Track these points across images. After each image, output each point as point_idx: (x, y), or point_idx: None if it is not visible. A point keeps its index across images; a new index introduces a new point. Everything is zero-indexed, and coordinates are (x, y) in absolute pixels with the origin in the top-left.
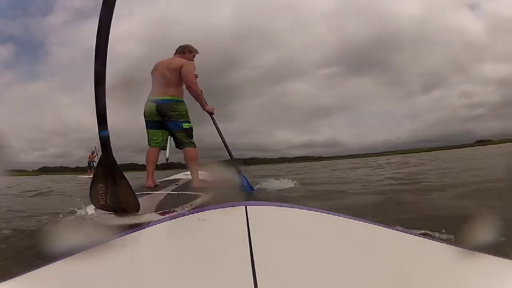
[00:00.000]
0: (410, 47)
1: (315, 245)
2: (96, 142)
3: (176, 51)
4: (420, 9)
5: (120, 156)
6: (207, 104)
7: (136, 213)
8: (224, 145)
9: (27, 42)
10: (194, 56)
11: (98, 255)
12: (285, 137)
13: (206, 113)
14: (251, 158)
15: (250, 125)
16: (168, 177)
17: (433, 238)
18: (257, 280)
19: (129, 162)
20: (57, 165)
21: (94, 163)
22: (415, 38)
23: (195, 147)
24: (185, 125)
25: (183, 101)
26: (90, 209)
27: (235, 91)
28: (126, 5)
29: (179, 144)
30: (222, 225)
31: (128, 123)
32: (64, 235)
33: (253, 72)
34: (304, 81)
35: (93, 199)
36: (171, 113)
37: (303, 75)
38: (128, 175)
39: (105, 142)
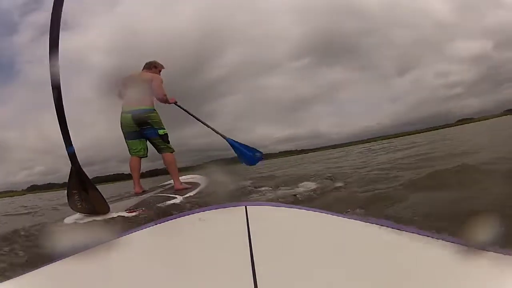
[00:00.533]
0: (379, 31)
1: (315, 245)
2: (79, 156)
3: (144, 66)
4: None
5: (107, 167)
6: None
7: (107, 213)
8: (206, 125)
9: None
10: (160, 70)
11: (98, 255)
12: (268, 133)
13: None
14: (234, 157)
15: (231, 123)
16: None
17: (433, 238)
18: (257, 280)
19: (116, 173)
20: (45, 183)
21: None
22: (383, 21)
23: (172, 151)
24: (160, 132)
25: (155, 110)
26: (69, 220)
27: (209, 90)
28: (90, 18)
29: (157, 151)
30: (222, 225)
31: (112, 134)
32: (64, 236)
33: (223, 70)
34: (278, 74)
35: (71, 204)
36: (147, 121)
37: (276, 69)
38: (116, 185)
39: (71, 157)
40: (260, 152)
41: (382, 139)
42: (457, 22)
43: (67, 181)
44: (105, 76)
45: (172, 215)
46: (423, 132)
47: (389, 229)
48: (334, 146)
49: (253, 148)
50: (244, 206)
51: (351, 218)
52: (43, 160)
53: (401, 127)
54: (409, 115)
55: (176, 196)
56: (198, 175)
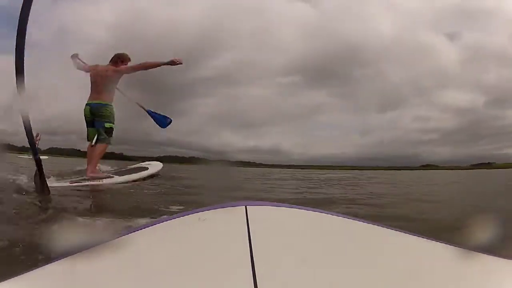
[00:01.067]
0: (373, 64)
1: (314, 245)
2: (43, 124)
3: (111, 59)
4: (393, 27)
5: (67, 140)
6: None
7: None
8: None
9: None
10: (127, 63)
11: (98, 255)
12: (231, 141)
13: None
14: (190, 158)
15: (197, 124)
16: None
17: (433, 238)
18: (257, 280)
19: (73, 147)
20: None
21: (37, 145)
22: (380, 55)
23: (107, 144)
24: (107, 125)
25: (110, 105)
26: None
27: (189, 89)
28: None
29: (97, 140)
30: (222, 225)
31: (81, 110)
32: (63, 235)
33: (210, 72)
34: (260, 87)
35: (36, 187)
36: (99, 113)
37: (260, 81)
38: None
39: (37, 162)
40: (171, 119)
41: (342, 169)
42: (456, 72)
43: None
44: (98, 52)
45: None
46: (385, 170)
47: (389, 230)
48: (291, 166)
49: (165, 116)
50: (244, 206)
51: (351, 218)
52: (8, 118)
53: (364, 161)
54: (376, 151)
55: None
56: (157, 163)
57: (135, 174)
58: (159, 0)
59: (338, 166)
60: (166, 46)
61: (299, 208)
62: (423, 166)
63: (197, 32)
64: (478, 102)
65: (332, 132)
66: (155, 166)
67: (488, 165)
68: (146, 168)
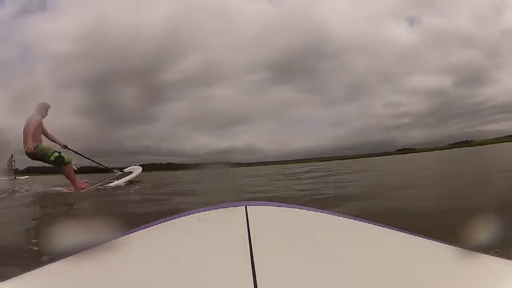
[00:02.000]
0: (338, 56)
1: (315, 245)
2: (18, 144)
3: (36, 110)
4: (355, 19)
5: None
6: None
7: None
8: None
9: None
10: (47, 110)
11: (98, 255)
12: (203, 143)
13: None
14: (167, 164)
15: (169, 129)
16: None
17: (433, 238)
18: (257, 280)
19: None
20: None
21: (13, 166)
22: (343, 47)
23: (69, 162)
24: (51, 158)
25: (39, 145)
26: None
27: (158, 94)
28: (58, 3)
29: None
30: (222, 225)
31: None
32: (63, 235)
33: (177, 75)
34: (229, 86)
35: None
36: (40, 153)
37: (229, 80)
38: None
39: None
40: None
41: (318, 161)
42: (420, 56)
43: None
44: (65, 65)
45: None
46: (362, 158)
47: (389, 229)
48: (268, 163)
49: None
50: (244, 206)
51: (351, 218)
52: None
53: (340, 151)
54: (350, 140)
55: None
56: (138, 166)
57: (127, 177)
58: (120, 6)
59: (315, 159)
60: (131, 52)
61: (299, 208)
62: (399, 150)
63: (161, 36)
64: (446, 84)
65: (306, 126)
66: (137, 169)
67: (466, 143)
68: (132, 172)
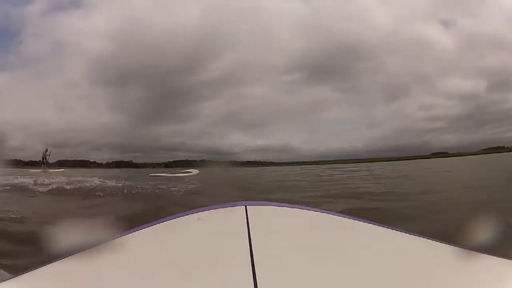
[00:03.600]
0: (373, 57)
1: (315, 245)
2: (53, 137)
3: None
4: (389, 20)
5: (76, 152)
6: None
7: None
8: None
9: (5, 29)
10: None
11: (98, 255)
12: (239, 141)
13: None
14: (201, 161)
15: (205, 127)
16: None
17: (433, 238)
18: (257, 280)
19: (83, 159)
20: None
21: (46, 159)
22: (379, 48)
23: None
24: None
25: None
26: None
27: (194, 92)
28: (90, 2)
29: None
30: (222, 225)
31: (88, 121)
32: (64, 235)
33: (213, 74)
34: (264, 86)
35: None
36: None
37: (263, 80)
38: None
39: None
40: None
41: (352, 162)
42: (455, 59)
43: (33, 159)
44: (100, 63)
45: None
46: (396, 160)
47: (389, 230)
48: (302, 163)
49: None
50: (244, 206)
51: (351, 218)
52: (17, 135)
53: (374, 153)
54: (384, 142)
55: None
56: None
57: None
58: (155, 4)
59: (349, 160)
60: (167, 51)
61: (299, 208)
62: (433, 154)
63: (196, 35)
64: (481, 87)
65: (340, 126)
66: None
67: (498, 149)
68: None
